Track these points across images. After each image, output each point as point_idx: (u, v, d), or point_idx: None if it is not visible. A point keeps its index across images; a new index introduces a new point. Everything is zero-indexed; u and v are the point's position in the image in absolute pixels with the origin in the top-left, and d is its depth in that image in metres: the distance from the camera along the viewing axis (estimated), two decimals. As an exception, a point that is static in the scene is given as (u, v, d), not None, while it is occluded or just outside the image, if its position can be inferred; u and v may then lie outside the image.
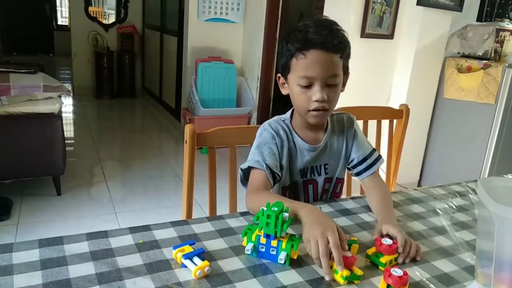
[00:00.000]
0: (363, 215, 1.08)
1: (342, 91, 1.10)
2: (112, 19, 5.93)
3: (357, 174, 1.19)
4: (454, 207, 1.20)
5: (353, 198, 1.20)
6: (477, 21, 3.75)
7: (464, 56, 3.07)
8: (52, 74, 3.12)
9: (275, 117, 1.18)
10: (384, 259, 0.84)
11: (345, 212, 1.09)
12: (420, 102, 3.04)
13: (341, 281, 0.77)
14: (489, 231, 0.74)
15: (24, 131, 2.50)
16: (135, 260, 0.80)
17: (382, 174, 1.73)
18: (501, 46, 2.96)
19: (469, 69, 2.93)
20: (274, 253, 0.82)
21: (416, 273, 0.84)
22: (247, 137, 1.24)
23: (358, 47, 2.76)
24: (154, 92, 5.65)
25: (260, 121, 3.98)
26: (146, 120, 5.24)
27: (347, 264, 0.78)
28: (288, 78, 1.07)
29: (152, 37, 5.55)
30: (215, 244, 0.88)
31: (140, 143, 4.11)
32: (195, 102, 3.81)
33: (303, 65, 1.00)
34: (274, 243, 0.82)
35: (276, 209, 0.83)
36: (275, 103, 4.12)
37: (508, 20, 3.33)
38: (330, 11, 2.85)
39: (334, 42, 1.00)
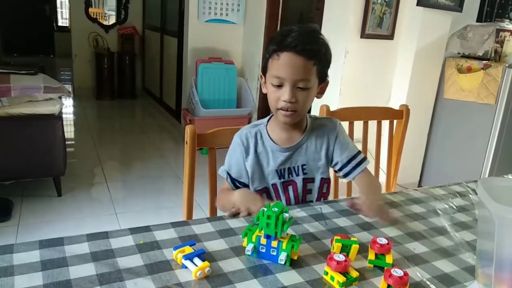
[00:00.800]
0: (363, 215, 1.08)
1: (319, 97, 1.15)
2: (112, 20, 5.94)
3: (346, 175, 1.19)
4: (455, 208, 1.20)
5: (353, 198, 1.20)
6: (477, 21, 3.75)
7: (464, 56, 3.07)
8: (52, 75, 3.12)
9: (251, 124, 1.23)
10: (388, 259, 0.84)
11: (345, 212, 1.09)
12: (420, 103, 3.04)
13: None
14: (490, 231, 0.74)
15: (24, 132, 2.50)
16: (135, 261, 0.80)
17: (382, 175, 1.73)
18: (501, 47, 2.96)
19: (469, 70, 2.93)
20: (274, 253, 0.83)
21: (417, 273, 0.84)
22: (247, 137, 1.24)
23: (358, 47, 2.76)
24: (155, 93, 5.65)
25: (261, 121, 3.97)
26: (146, 121, 5.24)
27: (342, 268, 0.77)
28: (266, 77, 1.12)
29: (153, 38, 5.56)
30: (216, 245, 0.88)
31: (140, 144, 4.12)
32: (196, 103, 3.81)
33: (276, 65, 1.05)
34: (274, 243, 0.82)
35: (276, 209, 0.83)
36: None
37: (508, 20, 3.33)
38: (330, 12, 2.85)
39: (307, 48, 1.04)
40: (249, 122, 4.11)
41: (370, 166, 1.67)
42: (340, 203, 1.15)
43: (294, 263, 0.83)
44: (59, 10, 8.98)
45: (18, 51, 7.58)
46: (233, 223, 0.98)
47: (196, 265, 0.77)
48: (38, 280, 0.72)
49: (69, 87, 5.76)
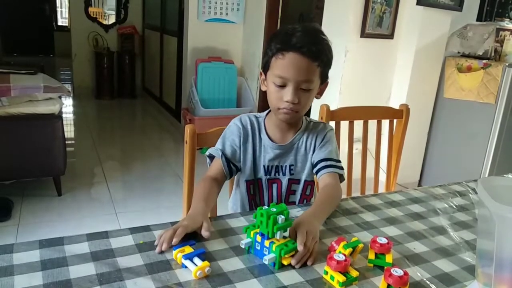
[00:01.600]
0: (363, 215, 1.08)
1: (318, 98, 1.14)
2: (112, 19, 5.94)
3: (316, 173, 1.17)
4: (455, 207, 1.20)
5: (353, 198, 1.20)
6: (477, 20, 3.76)
7: (464, 55, 3.07)
8: (52, 75, 3.12)
9: (252, 113, 1.22)
10: (388, 258, 0.84)
11: (345, 212, 1.09)
12: (420, 102, 3.04)
13: (338, 287, 0.77)
14: (490, 230, 0.74)
15: (24, 132, 2.50)
16: (135, 260, 0.80)
17: (382, 174, 1.73)
18: (501, 46, 2.96)
19: (469, 69, 2.93)
20: (266, 253, 0.83)
21: (417, 273, 0.84)
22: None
23: (358, 47, 2.76)
24: (154, 93, 5.65)
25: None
26: (146, 121, 5.24)
27: (342, 268, 0.77)
28: (267, 75, 1.10)
29: (152, 38, 5.55)
30: (216, 245, 0.88)
31: (140, 144, 4.12)
32: (195, 102, 3.81)
33: (280, 65, 1.04)
34: (267, 243, 0.82)
35: (274, 210, 0.83)
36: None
37: (508, 19, 3.33)
38: (330, 11, 2.85)
39: (312, 49, 1.03)
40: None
41: (370, 166, 1.68)
42: (341, 202, 1.15)
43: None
44: (58, 9, 8.98)
45: (18, 51, 7.57)
46: (233, 223, 0.98)
47: (196, 265, 0.77)
48: (38, 279, 0.71)
49: (69, 87, 5.76)
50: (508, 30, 2.97)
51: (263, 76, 1.14)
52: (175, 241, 0.83)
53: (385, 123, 1.71)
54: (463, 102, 2.99)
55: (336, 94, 2.73)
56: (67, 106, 5.13)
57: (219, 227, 0.95)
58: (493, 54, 2.96)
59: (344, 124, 1.58)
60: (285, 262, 0.81)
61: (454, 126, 3.10)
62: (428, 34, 2.92)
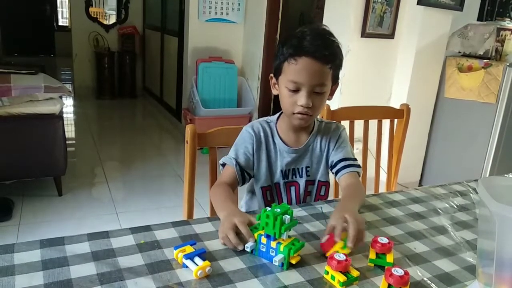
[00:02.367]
0: (364, 215, 1.08)
1: (329, 99, 1.14)
2: (112, 19, 5.94)
3: (336, 174, 1.19)
4: (455, 207, 1.20)
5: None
6: (477, 20, 3.75)
7: (465, 55, 3.07)
8: (53, 74, 3.12)
9: (262, 118, 1.23)
10: (389, 258, 0.84)
11: (346, 212, 1.09)
12: (421, 102, 3.04)
13: (339, 287, 0.77)
14: (490, 230, 0.74)
15: (25, 132, 2.50)
16: (136, 260, 0.80)
17: (383, 174, 1.73)
18: (502, 45, 2.95)
19: (470, 69, 2.93)
20: (273, 254, 0.83)
21: (418, 272, 0.84)
22: (248, 137, 1.24)
23: (359, 47, 2.76)
24: (155, 93, 5.65)
25: (261, 121, 3.97)
26: (146, 121, 5.24)
27: (342, 268, 0.77)
28: (279, 80, 1.11)
29: (153, 38, 5.55)
30: (216, 244, 0.88)
31: (140, 144, 4.12)
32: (196, 102, 3.81)
33: (293, 70, 1.04)
34: (273, 244, 0.82)
35: (278, 210, 0.83)
36: (275, 103, 4.12)
37: (509, 19, 3.32)
38: (330, 11, 2.85)
39: (325, 53, 1.03)
40: (250, 121, 4.10)
41: (371, 165, 1.68)
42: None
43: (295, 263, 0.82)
44: (59, 9, 8.99)
45: (19, 51, 7.58)
46: (234, 223, 0.98)
47: (197, 265, 0.77)
48: (39, 279, 0.72)
49: (69, 87, 5.77)
50: (509, 29, 2.97)
51: (273, 80, 1.14)
52: (252, 240, 0.84)
53: (386, 123, 1.71)
54: (463, 102, 2.99)
55: (336, 94, 2.72)
56: (68, 106, 5.14)
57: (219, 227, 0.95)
58: (493, 53, 2.96)
59: (345, 124, 1.57)
60: (293, 261, 0.82)
61: (455, 126, 3.10)
62: (429, 34, 2.92)
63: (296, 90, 1.06)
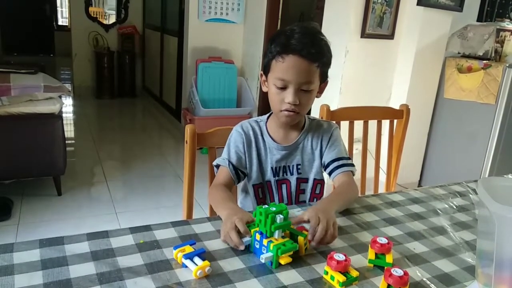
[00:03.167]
0: (363, 215, 1.08)
1: (318, 97, 1.15)
2: (112, 19, 5.93)
3: (330, 174, 1.19)
4: (455, 207, 1.20)
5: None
6: (477, 21, 3.76)
7: (465, 56, 3.07)
8: (52, 74, 3.12)
9: (251, 118, 1.24)
10: (388, 258, 0.84)
11: (345, 212, 1.09)
12: (421, 102, 3.04)
13: (338, 287, 0.77)
14: (490, 231, 0.74)
15: (24, 132, 2.50)
16: (135, 260, 0.80)
17: (382, 174, 1.73)
18: (502, 46, 2.96)
19: (469, 69, 2.93)
20: (264, 251, 0.83)
21: (417, 273, 0.84)
22: (248, 137, 1.24)
23: (358, 47, 2.76)
24: (155, 92, 5.65)
25: (261, 121, 3.97)
26: (146, 120, 5.24)
27: (342, 268, 0.78)
28: (268, 77, 1.12)
29: (153, 37, 5.55)
30: (216, 244, 0.88)
31: (140, 143, 4.11)
32: (196, 102, 3.81)
33: (281, 67, 1.05)
34: (265, 241, 0.83)
35: (274, 209, 0.83)
36: (275, 103, 4.11)
37: (509, 20, 3.33)
38: (330, 11, 2.85)
39: (312, 51, 1.04)
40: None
41: (370, 166, 1.68)
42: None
43: (294, 263, 0.82)
44: (59, 9, 8.98)
45: (18, 50, 7.57)
46: (233, 223, 0.98)
47: (196, 264, 0.77)
48: (38, 279, 0.72)
49: (69, 86, 5.76)
50: (508, 30, 2.97)
51: (263, 77, 1.15)
52: (247, 238, 0.85)
53: (385, 123, 1.71)
54: (463, 103, 2.99)
55: (336, 94, 2.73)
56: (67, 105, 5.14)
57: (219, 227, 0.95)
58: (493, 54, 2.96)
59: (344, 124, 1.58)
60: (282, 262, 0.81)
61: (454, 126, 3.10)
62: (429, 35, 2.92)
63: (283, 88, 1.07)
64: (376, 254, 0.85)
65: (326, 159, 1.19)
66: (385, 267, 0.80)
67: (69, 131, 4.29)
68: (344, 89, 2.75)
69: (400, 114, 1.70)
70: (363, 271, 0.82)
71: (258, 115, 4.17)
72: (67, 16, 8.30)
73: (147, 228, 0.91)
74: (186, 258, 0.78)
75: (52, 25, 8.54)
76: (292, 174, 1.20)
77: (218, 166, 1.19)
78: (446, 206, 1.20)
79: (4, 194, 2.57)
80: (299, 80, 1.05)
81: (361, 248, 0.91)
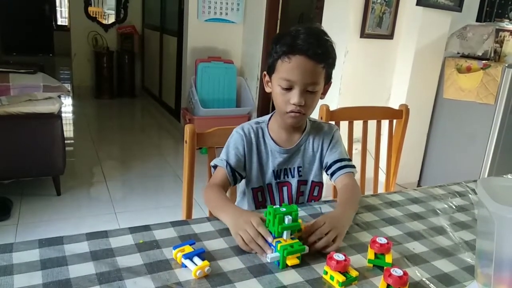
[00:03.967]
0: (363, 215, 1.08)
1: (322, 98, 1.14)
2: (111, 19, 5.93)
3: (331, 175, 1.19)
4: (454, 207, 1.20)
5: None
6: (476, 21, 3.76)
7: (464, 56, 3.07)
8: (51, 74, 3.12)
9: (253, 120, 1.22)
10: (388, 258, 0.84)
11: (345, 212, 1.09)
12: (420, 102, 3.04)
13: (338, 287, 0.77)
14: (489, 231, 0.74)
15: (23, 131, 2.50)
16: (135, 260, 0.80)
17: (382, 174, 1.73)
18: (501, 46, 2.96)
19: (468, 69, 2.94)
20: (272, 251, 0.83)
21: (416, 273, 0.84)
22: (247, 137, 1.24)
23: (358, 47, 2.76)
24: (154, 92, 5.65)
25: (260, 121, 3.97)
26: (145, 120, 5.24)
27: (341, 268, 0.77)
28: (272, 77, 1.11)
29: (152, 37, 5.55)
30: (215, 244, 0.88)
31: (139, 143, 4.11)
32: (195, 102, 3.81)
33: (287, 68, 1.04)
34: (273, 241, 0.83)
35: (284, 209, 0.83)
36: (275, 103, 4.12)
37: (508, 20, 3.33)
38: (330, 11, 2.85)
39: (318, 52, 1.03)
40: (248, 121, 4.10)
41: (370, 166, 1.68)
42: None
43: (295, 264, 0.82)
44: (58, 9, 8.98)
45: (18, 50, 7.57)
46: (233, 223, 0.98)
47: (196, 264, 0.77)
48: (38, 279, 0.71)
49: (68, 86, 5.76)
50: (507, 30, 2.97)
51: (267, 78, 1.14)
52: (270, 239, 0.83)
53: (385, 123, 1.71)
54: (462, 103, 2.99)
55: (336, 94, 2.73)
56: (67, 105, 5.13)
57: (218, 227, 0.95)
58: (492, 54, 2.96)
59: (344, 124, 1.58)
60: (289, 263, 0.81)
61: (454, 126, 3.10)
62: (428, 35, 2.93)
63: (288, 88, 1.05)
64: (375, 254, 0.85)
65: (328, 160, 1.18)
66: (385, 267, 0.80)
67: (69, 131, 4.29)
68: (344, 89, 2.75)
69: (400, 114, 1.70)
70: (362, 271, 0.82)
71: (258, 115, 4.19)
72: (67, 16, 8.30)
73: (147, 228, 0.91)
74: (185, 258, 0.78)
75: (51, 25, 8.55)
76: (293, 176, 1.19)
77: (215, 166, 1.17)
78: (446, 206, 1.20)
79: (4, 194, 2.57)
80: (305, 80, 1.04)
81: (361, 248, 0.91)
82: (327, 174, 1.20)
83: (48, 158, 2.59)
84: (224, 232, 0.93)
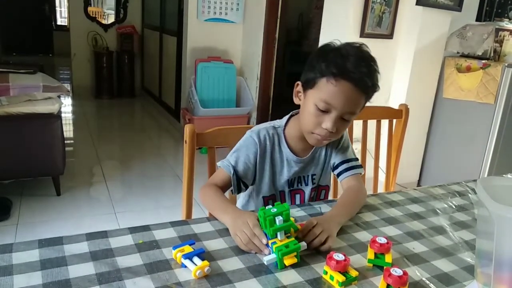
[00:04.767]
0: (363, 215, 1.08)
1: None
2: (111, 19, 5.93)
3: (338, 176, 1.18)
4: (454, 207, 1.20)
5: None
6: (476, 20, 3.76)
7: (464, 55, 3.07)
8: (51, 74, 3.12)
9: (269, 124, 1.17)
10: (388, 258, 0.84)
11: (345, 212, 1.09)
12: (420, 102, 3.04)
13: (338, 287, 0.77)
14: (489, 230, 0.74)
15: (23, 132, 2.50)
16: (135, 260, 0.80)
17: (382, 174, 1.73)
18: (501, 46, 2.96)
19: (468, 69, 2.94)
20: (267, 253, 0.84)
21: (416, 273, 0.84)
22: (247, 137, 1.24)
23: (358, 47, 2.76)
24: (154, 92, 5.64)
25: (260, 121, 3.98)
26: (145, 120, 5.23)
27: (341, 268, 0.77)
28: (308, 92, 1.04)
29: (152, 37, 5.55)
30: (215, 244, 0.88)
31: (139, 143, 4.11)
32: (195, 102, 3.81)
33: (330, 90, 0.98)
34: (269, 242, 0.83)
35: (275, 210, 0.83)
36: (274, 103, 4.12)
37: (508, 19, 3.33)
38: (329, 11, 2.85)
39: (368, 84, 1.00)
40: (249, 121, 4.10)
41: (369, 166, 1.68)
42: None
43: (294, 263, 0.83)
44: (58, 9, 8.98)
45: (17, 50, 7.57)
46: (233, 223, 0.98)
47: (196, 265, 0.77)
48: (37, 279, 0.71)
49: (68, 86, 5.76)
50: (507, 30, 2.97)
51: (300, 88, 1.08)
52: (264, 241, 0.83)
53: (385, 123, 1.71)
54: (462, 102, 2.99)
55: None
56: (66, 105, 5.13)
57: (218, 227, 0.95)
58: (492, 54, 2.96)
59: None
60: (287, 263, 0.81)
61: (454, 126, 3.10)
62: (428, 34, 2.93)
63: (325, 111, 1.00)
64: (375, 253, 0.85)
65: (336, 160, 1.18)
66: (385, 267, 0.80)
67: (68, 131, 4.28)
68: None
69: (399, 114, 1.70)
70: (362, 271, 0.82)
71: (258, 115, 4.18)
72: (66, 16, 8.30)
73: (146, 228, 0.91)
74: (185, 258, 0.78)
75: (51, 25, 8.56)
76: (307, 184, 1.18)
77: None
78: (446, 205, 1.20)
79: (3, 194, 2.57)
80: (345, 108, 0.99)
81: (361, 247, 0.91)
82: (335, 174, 1.20)
83: (47, 158, 2.59)
84: (224, 232, 0.93)
